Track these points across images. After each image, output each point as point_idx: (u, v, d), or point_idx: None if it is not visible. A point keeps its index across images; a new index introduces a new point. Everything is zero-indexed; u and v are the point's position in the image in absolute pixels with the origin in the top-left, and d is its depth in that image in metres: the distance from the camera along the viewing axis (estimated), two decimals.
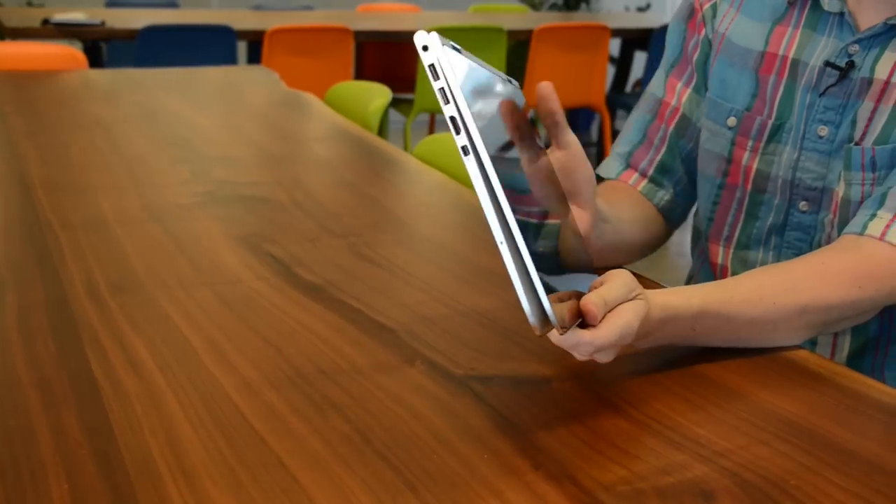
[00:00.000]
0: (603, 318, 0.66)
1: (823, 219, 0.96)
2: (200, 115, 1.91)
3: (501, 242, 0.59)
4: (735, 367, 0.79)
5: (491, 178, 0.59)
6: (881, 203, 0.86)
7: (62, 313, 0.87)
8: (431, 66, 0.59)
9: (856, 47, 0.92)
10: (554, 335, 0.64)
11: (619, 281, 0.69)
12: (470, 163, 0.59)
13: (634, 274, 0.75)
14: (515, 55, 4.31)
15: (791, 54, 0.97)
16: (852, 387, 0.76)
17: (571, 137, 0.79)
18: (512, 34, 4.19)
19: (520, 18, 5.17)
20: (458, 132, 0.59)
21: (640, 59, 4.99)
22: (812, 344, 0.99)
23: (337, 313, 0.89)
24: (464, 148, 0.58)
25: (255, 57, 3.98)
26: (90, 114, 1.84)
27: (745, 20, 1.01)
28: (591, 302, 0.65)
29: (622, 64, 5.05)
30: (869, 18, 0.92)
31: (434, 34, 0.59)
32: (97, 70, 2.71)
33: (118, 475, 0.60)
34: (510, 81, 0.75)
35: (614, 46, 5.89)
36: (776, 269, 0.84)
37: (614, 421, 0.70)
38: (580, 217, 0.82)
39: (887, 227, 0.84)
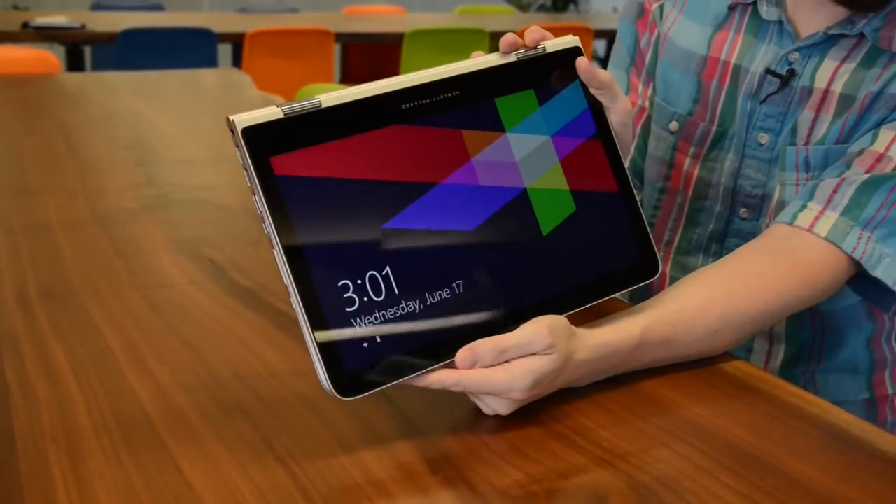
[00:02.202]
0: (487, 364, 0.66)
1: (762, 225, 0.95)
2: (165, 118, 1.91)
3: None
4: (660, 374, 0.78)
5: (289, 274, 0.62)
6: (811, 195, 0.85)
7: None
8: (237, 147, 0.62)
9: (796, 55, 0.91)
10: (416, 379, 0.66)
11: (527, 331, 0.66)
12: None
13: None
14: None
15: (733, 60, 0.96)
16: (775, 394, 0.75)
17: (618, 91, 0.78)
18: (495, 36, 4.19)
19: (505, 20, 5.18)
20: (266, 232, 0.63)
21: None
22: (747, 351, 0.99)
23: (265, 318, 0.89)
24: (269, 238, 0.63)
25: (239, 59, 3.98)
26: (53, 118, 1.84)
27: (688, 22, 1.00)
28: (466, 348, 0.65)
29: (607, 65, 5.05)
30: (808, 26, 0.91)
31: (242, 122, 0.62)
32: (68, 74, 2.72)
33: (10, 483, 0.60)
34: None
35: (601, 47, 5.90)
36: (716, 285, 0.80)
37: (522, 426, 0.70)
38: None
39: (816, 218, 0.83)
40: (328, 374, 0.62)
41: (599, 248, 0.76)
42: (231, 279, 0.99)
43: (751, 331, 0.81)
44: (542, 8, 6.91)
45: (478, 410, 0.71)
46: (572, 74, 0.77)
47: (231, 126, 0.61)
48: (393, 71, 4.12)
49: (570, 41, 0.77)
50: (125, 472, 0.62)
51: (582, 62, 0.76)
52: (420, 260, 0.67)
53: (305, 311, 0.62)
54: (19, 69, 2.58)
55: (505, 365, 0.65)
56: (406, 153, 0.68)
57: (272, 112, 0.62)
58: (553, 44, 0.76)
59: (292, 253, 0.62)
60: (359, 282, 0.64)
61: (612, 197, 0.77)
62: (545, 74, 0.75)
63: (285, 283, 0.62)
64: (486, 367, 0.65)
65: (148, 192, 1.33)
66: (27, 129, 1.73)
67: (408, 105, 0.68)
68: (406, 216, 0.67)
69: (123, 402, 0.72)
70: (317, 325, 0.62)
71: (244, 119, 0.61)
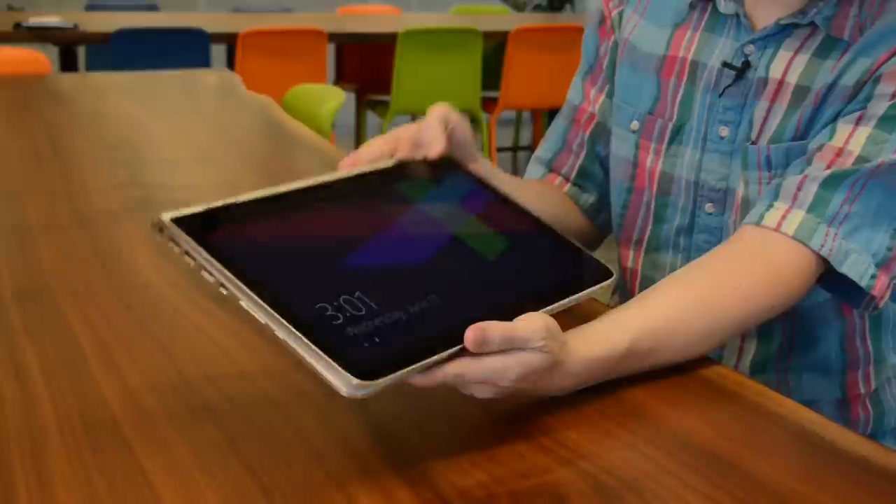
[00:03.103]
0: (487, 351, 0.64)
1: (728, 220, 0.96)
2: (151, 118, 1.91)
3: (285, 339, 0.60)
4: (631, 376, 0.77)
5: (254, 299, 0.61)
6: (777, 194, 0.86)
7: None
8: (174, 241, 0.63)
9: (751, 47, 0.92)
10: (420, 378, 0.63)
11: (528, 322, 0.65)
12: (232, 298, 0.62)
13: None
14: (496, 57, 4.30)
15: (690, 56, 0.97)
16: (743, 394, 0.76)
17: (432, 133, 0.79)
18: (488, 36, 4.19)
19: (499, 20, 5.18)
20: (213, 281, 0.62)
21: None
22: (719, 347, 0.99)
23: (239, 318, 0.89)
24: (222, 286, 0.62)
25: (233, 60, 3.97)
26: (40, 118, 1.84)
27: (648, 25, 1.01)
28: (476, 327, 0.63)
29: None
30: (764, 19, 0.92)
31: (168, 216, 0.63)
32: (58, 74, 2.72)
33: None
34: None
35: None
36: (698, 296, 0.80)
37: (490, 427, 0.70)
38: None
39: (783, 217, 0.84)
40: (344, 369, 0.59)
41: (549, 264, 0.78)
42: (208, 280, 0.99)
43: (728, 337, 0.82)
44: (537, 7, 6.90)
45: (447, 412, 0.71)
46: (449, 166, 0.82)
47: (159, 225, 0.62)
48: (387, 71, 4.11)
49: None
50: (88, 474, 0.62)
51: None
52: (387, 283, 0.67)
53: (296, 328, 0.59)
54: (9, 69, 2.58)
55: (499, 353, 0.64)
56: (333, 223, 0.71)
57: (195, 208, 0.65)
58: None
59: (261, 295, 0.61)
60: (334, 303, 0.63)
61: (539, 232, 0.81)
62: (424, 168, 0.80)
63: (264, 322, 0.60)
64: (490, 351, 0.63)
65: (130, 193, 1.33)
66: (13, 130, 1.73)
67: (320, 198, 0.72)
68: (358, 256, 0.68)
69: (91, 404, 0.72)
70: (312, 336, 0.60)
71: (170, 214, 0.63)
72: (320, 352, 0.59)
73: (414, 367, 0.62)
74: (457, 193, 0.80)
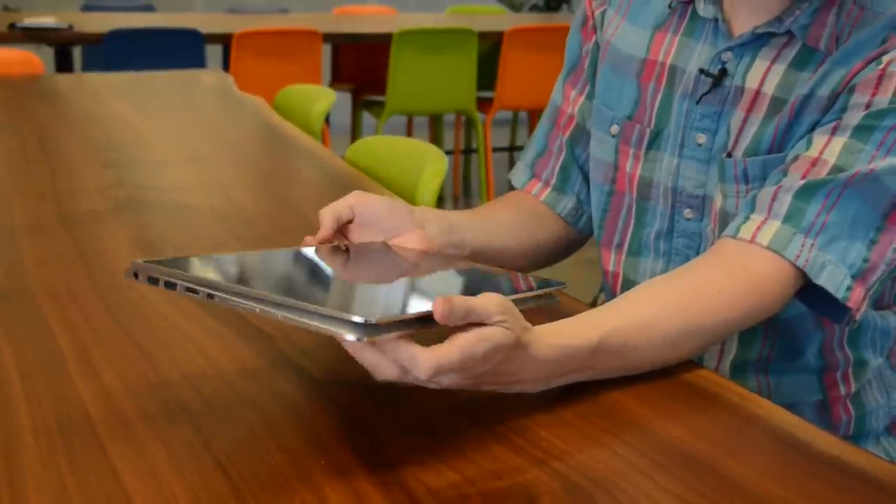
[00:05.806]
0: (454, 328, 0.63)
1: (705, 226, 0.95)
2: (142, 119, 1.91)
3: (261, 310, 0.63)
4: (619, 382, 0.77)
5: (236, 293, 0.64)
6: (753, 206, 0.85)
7: None
8: (151, 279, 0.67)
9: (728, 54, 0.92)
10: (386, 347, 0.62)
11: (484, 299, 0.65)
12: (223, 301, 0.65)
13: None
14: (491, 57, 4.30)
15: (669, 61, 0.96)
16: (721, 394, 0.76)
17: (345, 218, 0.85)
18: (483, 36, 4.19)
19: (495, 20, 5.17)
20: (199, 293, 0.65)
21: None
22: (698, 354, 0.99)
23: (219, 319, 0.89)
24: (209, 296, 0.65)
25: (228, 60, 3.97)
26: (30, 119, 1.84)
27: (630, 27, 1.01)
28: (443, 298, 0.62)
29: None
30: (741, 25, 0.92)
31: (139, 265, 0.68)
32: (51, 75, 2.72)
33: None
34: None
35: None
36: (677, 298, 0.80)
37: (467, 429, 0.69)
38: (413, 241, 0.86)
39: (758, 228, 0.83)
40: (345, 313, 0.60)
41: (492, 281, 0.83)
42: None
43: (705, 345, 0.82)
44: (534, 8, 6.88)
45: (420, 412, 0.71)
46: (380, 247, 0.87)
47: (134, 269, 0.68)
48: (383, 71, 4.10)
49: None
50: (60, 475, 0.62)
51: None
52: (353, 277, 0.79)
53: (291, 299, 0.62)
54: (2, 70, 2.58)
55: (462, 334, 0.63)
56: (291, 263, 0.80)
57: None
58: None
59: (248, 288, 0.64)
60: (316, 285, 0.71)
61: (477, 267, 0.88)
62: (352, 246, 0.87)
63: (258, 310, 0.63)
64: (454, 324, 0.63)
65: (118, 194, 1.33)
66: (2, 131, 1.73)
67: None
68: (318, 271, 0.79)
69: (67, 405, 0.72)
70: (309, 301, 0.62)
71: (141, 259, 0.69)
72: (321, 309, 0.61)
73: (404, 316, 0.63)
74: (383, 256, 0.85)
